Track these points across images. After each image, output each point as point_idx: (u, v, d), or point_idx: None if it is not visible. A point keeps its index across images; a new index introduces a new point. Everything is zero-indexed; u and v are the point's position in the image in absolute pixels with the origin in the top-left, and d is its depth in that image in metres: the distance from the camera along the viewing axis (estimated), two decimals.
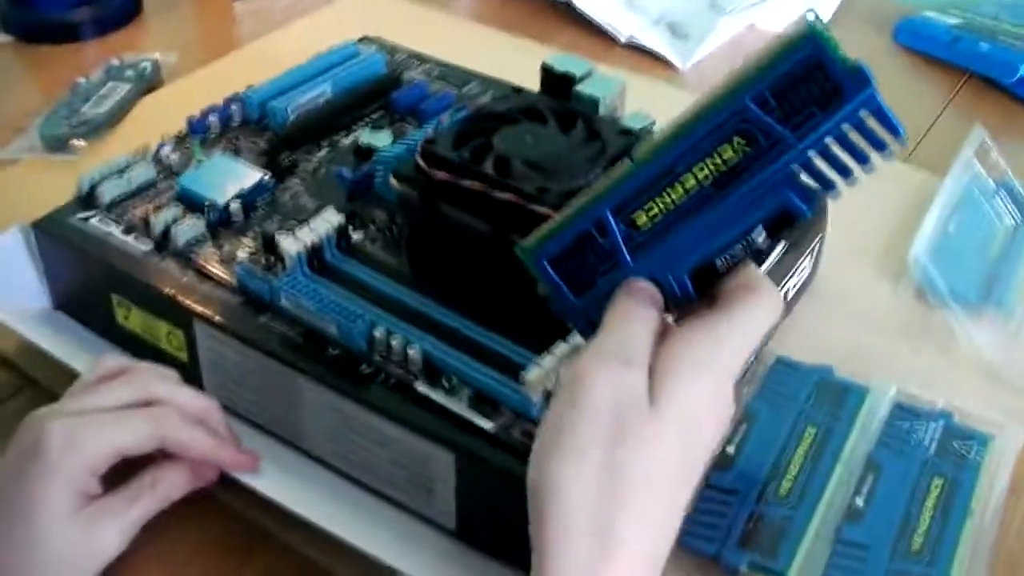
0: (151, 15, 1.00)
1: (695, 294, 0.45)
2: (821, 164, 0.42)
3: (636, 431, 0.41)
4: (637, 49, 0.97)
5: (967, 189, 0.74)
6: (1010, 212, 0.74)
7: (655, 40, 0.97)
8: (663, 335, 0.44)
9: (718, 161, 0.43)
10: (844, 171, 0.42)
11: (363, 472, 0.54)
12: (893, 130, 0.42)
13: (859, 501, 0.54)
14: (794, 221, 0.44)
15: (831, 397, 0.60)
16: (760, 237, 0.44)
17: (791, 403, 0.60)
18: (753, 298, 0.44)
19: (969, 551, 0.53)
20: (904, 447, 0.57)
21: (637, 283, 0.45)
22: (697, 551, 0.52)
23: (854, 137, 0.42)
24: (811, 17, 0.41)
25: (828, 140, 0.42)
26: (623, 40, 0.97)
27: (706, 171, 0.43)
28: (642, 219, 0.45)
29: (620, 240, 0.45)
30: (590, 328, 0.46)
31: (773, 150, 0.42)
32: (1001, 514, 0.55)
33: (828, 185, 0.43)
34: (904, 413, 0.59)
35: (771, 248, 0.44)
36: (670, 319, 0.46)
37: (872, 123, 0.41)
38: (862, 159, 0.42)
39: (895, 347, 0.65)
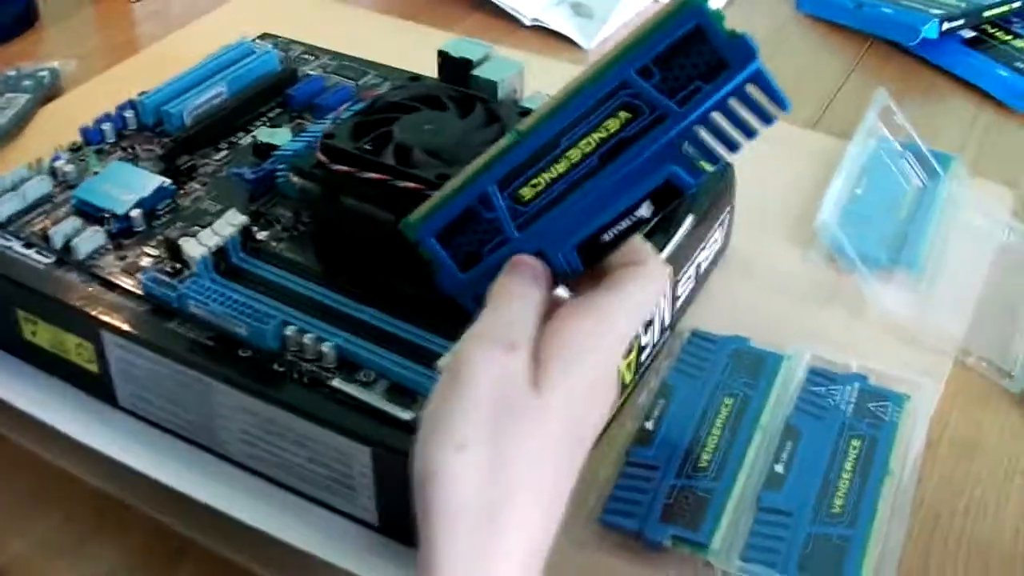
0: (48, 23, 0.98)
1: (584, 268, 0.45)
2: (706, 136, 0.42)
3: (520, 418, 0.40)
4: (543, 31, 0.97)
5: (873, 152, 0.74)
6: (916, 173, 0.75)
7: (559, 20, 0.97)
8: (549, 313, 0.43)
9: (603, 134, 0.43)
10: (730, 144, 0.43)
11: (283, 473, 0.53)
12: (779, 102, 0.42)
13: (779, 468, 0.55)
14: (681, 194, 0.44)
15: (747, 366, 0.60)
16: (646, 211, 0.44)
17: (708, 375, 0.60)
18: (640, 272, 0.44)
19: (889, 509, 0.53)
20: (821, 411, 0.58)
21: (520, 260, 0.44)
22: (620, 528, 0.52)
23: (739, 109, 0.42)
24: None
25: (714, 114, 0.42)
26: (527, 22, 0.97)
27: (591, 144, 0.43)
28: (528, 193, 0.44)
29: (505, 214, 0.45)
30: (476, 305, 0.45)
31: (658, 123, 0.42)
32: (919, 471, 0.56)
33: (712, 158, 0.43)
34: (820, 378, 0.60)
35: (654, 217, 0.44)
36: (564, 293, 0.45)
37: (757, 94, 0.42)
38: (748, 132, 0.42)
39: (808, 313, 0.66)
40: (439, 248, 0.46)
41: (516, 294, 0.43)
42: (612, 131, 0.43)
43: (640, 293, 0.44)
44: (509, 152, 0.44)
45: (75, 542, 0.55)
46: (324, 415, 0.50)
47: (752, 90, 0.41)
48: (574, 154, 0.43)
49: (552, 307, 0.44)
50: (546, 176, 0.44)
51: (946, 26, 0.91)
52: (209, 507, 0.53)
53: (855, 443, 0.56)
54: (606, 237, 0.44)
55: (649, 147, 0.43)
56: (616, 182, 0.43)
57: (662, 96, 0.42)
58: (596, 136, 0.43)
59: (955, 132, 0.83)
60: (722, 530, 0.52)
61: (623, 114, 0.42)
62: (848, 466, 0.55)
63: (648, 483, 0.54)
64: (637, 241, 0.45)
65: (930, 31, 0.91)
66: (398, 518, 0.51)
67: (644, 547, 0.52)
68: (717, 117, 0.42)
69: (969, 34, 0.93)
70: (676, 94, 0.42)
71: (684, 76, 0.42)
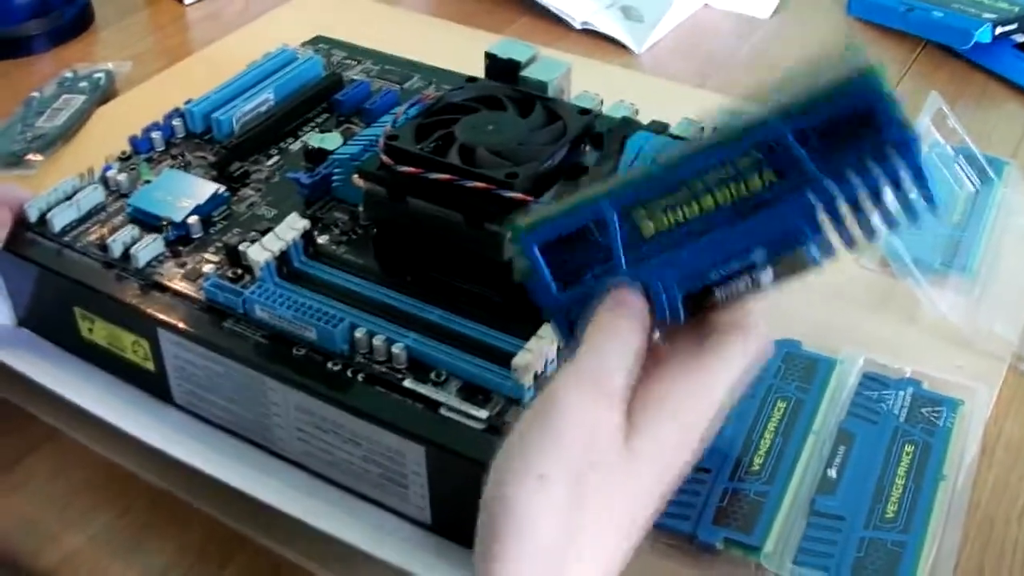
0: (103, 25, 1.00)
1: (685, 317, 0.43)
2: (848, 217, 0.40)
3: (605, 471, 0.39)
4: (593, 34, 0.97)
5: (926, 157, 0.74)
6: (969, 178, 0.74)
7: (609, 24, 0.97)
8: (646, 360, 0.42)
9: (743, 187, 0.41)
10: (869, 230, 0.40)
11: (337, 471, 0.54)
12: (929, 199, 0.40)
13: (832, 472, 0.55)
14: (806, 268, 0.42)
15: (800, 370, 0.60)
16: (767, 277, 0.42)
17: (761, 379, 0.60)
18: (747, 339, 0.43)
19: (943, 515, 0.53)
20: (874, 416, 0.58)
21: (625, 295, 0.42)
22: (672, 530, 0.52)
23: (889, 197, 0.40)
24: (875, 62, 0.39)
25: (862, 195, 0.40)
26: (577, 26, 0.97)
27: (729, 195, 0.41)
28: (648, 228, 0.42)
29: (621, 244, 0.42)
30: (567, 327, 0.44)
31: (803, 190, 0.40)
32: (973, 477, 0.56)
33: (849, 241, 0.41)
34: (873, 383, 0.60)
35: (773, 285, 0.42)
36: (656, 336, 0.43)
37: (909, 185, 0.40)
38: (891, 223, 0.40)
39: (861, 318, 0.65)
40: (542, 260, 0.43)
41: (618, 335, 0.42)
42: (754, 188, 0.41)
43: (742, 361, 0.43)
44: (641, 181, 0.42)
45: (130, 538, 0.55)
46: (378, 413, 0.51)
47: (906, 179, 0.39)
48: (708, 201, 0.41)
49: (646, 352, 0.42)
50: (673, 216, 0.42)
51: (999, 30, 0.90)
52: (263, 504, 0.53)
53: (908, 448, 0.56)
54: (719, 294, 0.42)
55: (789, 215, 0.40)
56: (745, 240, 0.41)
57: (815, 165, 0.40)
58: (736, 188, 0.41)
59: (1008, 137, 0.82)
60: (775, 533, 0.52)
61: (769, 173, 0.40)
62: (901, 471, 0.55)
63: (701, 486, 0.54)
64: (749, 306, 0.43)
65: (983, 35, 0.90)
66: (451, 517, 0.51)
67: (696, 549, 0.52)
68: (865, 200, 0.40)
69: (1022, 38, 0.92)
70: (830, 166, 0.40)
71: (842, 148, 0.40)
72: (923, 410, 0.58)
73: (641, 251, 0.42)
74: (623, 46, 0.95)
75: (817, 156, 0.40)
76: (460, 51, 0.73)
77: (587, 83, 0.68)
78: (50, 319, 0.62)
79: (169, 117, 0.69)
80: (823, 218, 0.40)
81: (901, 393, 0.59)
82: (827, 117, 0.39)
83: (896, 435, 0.57)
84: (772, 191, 0.41)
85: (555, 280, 0.44)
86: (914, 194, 0.40)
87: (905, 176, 0.39)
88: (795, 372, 0.60)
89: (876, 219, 0.40)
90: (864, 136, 0.39)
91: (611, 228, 0.42)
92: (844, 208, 0.40)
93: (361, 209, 0.60)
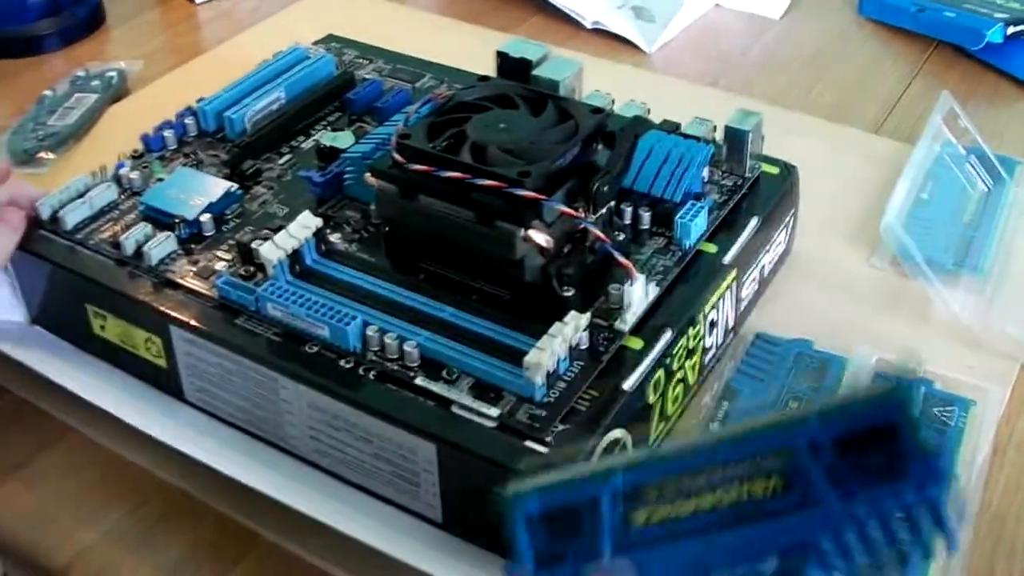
0: (115, 24, 1.00)
1: None
2: (853, 542, 0.37)
3: None
4: (604, 34, 0.97)
5: (938, 157, 0.74)
6: (981, 177, 0.74)
7: (620, 23, 0.97)
8: None
9: (746, 493, 0.38)
10: (876, 560, 0.38)
11: (348, 468, 0.54)
12: (949, 539, 0.37)
13: None
14: None
15: (811, 370, 0.60)
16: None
17: (772, 378, 0.60)
18: None
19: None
20: None
21: None
22: None
23: (901, 530, 0.37)
24: (908, 382, 0.37)
25: (871, 523, 0.37)
26: (588, 25, 0.97)
27: (730, 497, 0.39)
28: (640, 517, 0.40)
29: (609, 529, 0.40)
30: None
31: (808, 507, 0.38)
32: (985, 477, 0.56)
33: (850, 567, 0.37)
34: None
35: None
36: None
37: (926, 523, 0.37)
38: (901, 558, 0.38)
39: (873, 317, 0.65)
40: (525, 534, 0.40)
41: None
42: (756, 494, 0.38)
43: None
44: (641, 467, 0.40)
45: (143, 534, 0.56)
46: (390, 411, 0.51)
47: (923, 514, 0.37)
48: (707, 499, 0.39)
49: None
50: (668, 509, 0.39)
51: (1011, 30, 0.90)
52: (275, 501, 0.53)
53: None
54: None
55: (790, 530, 0.38)
56: (739, 547, 0.38)
57: (825, 482, 0.37)
58: (738, 491, 0.38)
59: (1020, 136, 0.82)
60: None
61: (775, 481, 0.38)
62: None
63: None
64: None
65: (995, 35, 0.90)
66: (461, 515, 0.51)
67: None
68: (873, 528, 0.37)
69: None
70: (841, 485, 0.37)
71: (857, 470, 0.37)
72: (935, 410, 0.58)
73: (630, 541, 0.40)
74: (634, 46, 0.95)
75: (829, 470, 0.37)
76: (471, 50, 0.74)
77: (598, 83, 0.68)
78: (63, 317, 0.62)
79: (181, 115, 0.69)
80: (825, 537, 0.38)
81: None
82: (845, 430, 0.37)
83: None
84: (776, 501, 0.38)
85: (536, 555, 0.40)
86: (928, 529, 0.37)
87: (923, 507, 0.37)
88: (806, 371, 0.60)
89: (883, 548, 0.37)
90: (884, 454, 0.37)
91: (603, 511, 0.40)
92: (850, 531, 0.37)
93: (373, 207, 0.60)
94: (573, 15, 0.98)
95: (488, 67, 0.67)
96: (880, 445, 0.37)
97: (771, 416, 0.39)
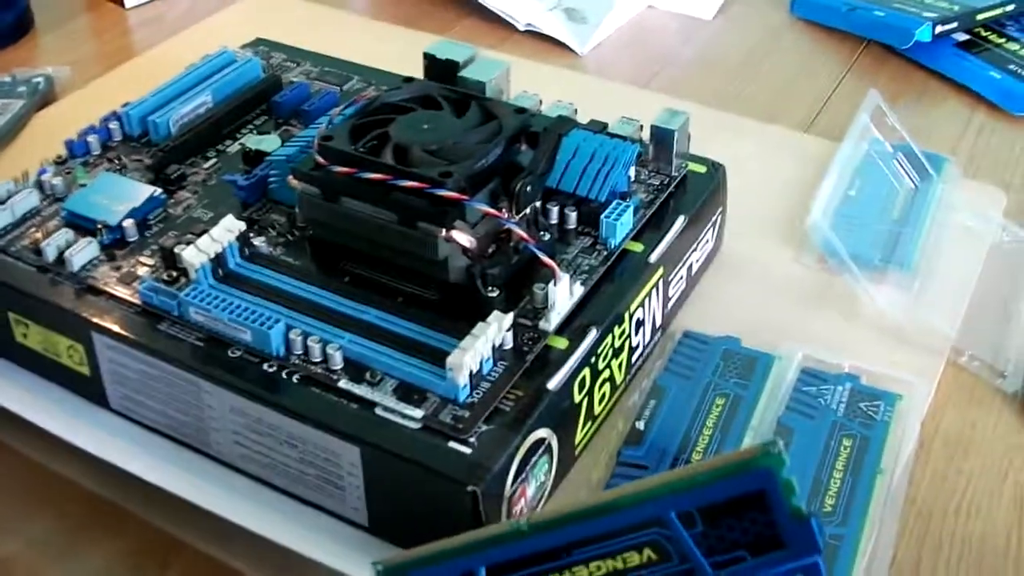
0: (44, 30, 0.98)
1: None
2: None
3: None
4: (537, 36, 0.97)
5: (866, 154, 0.75)
6: (908, 175, 0.75)
7: (552, 25, 0.97)
8: None
9: (620, 564, 0.38)
10: None
11: (274, 474, 0.53)
12: None
13: None
14: None
15: (739, 367, 0.60)
16: None
17: (699, 376, 0.60)
18: None
19: (880, 509, 0.53)
20: (813, 411, 0.58)
21: None
22: None
23: None
24: (775, 448, 0.37)
25: None
26: (521, 27, 0.97)
27: (604, 570, 0.38)
28: None
29: None
30: None
31: None
32: (911, 470, 0.56)
33: None
34: (811, 378, 0.60)
35: None
36: None
37: None
38: None
39: (800, 314, 0.65)
40: None
41: None
42: (630, 565, 0.38)
43: None
44: (512, 541, 0.39)
45: (67, 543, 0.55)
46: (312, 414, 0.50)
47: None
48: (581, 572, 0.39)
49: None
50: None
51: (939, 29, 0.91)
52: (201, 508, 0.53)
53: (847, 442, 0.56)
54: None
55: None
56: None
57: (698, 552, 0.37)
58: (611, 564, 0.38)
59: (948, 135, 0.83)
60: None
61: (648, 552, 0.38)
62: (840, 465, 0.55)
63: None
64: None
65: (923, 34, 0.91)
66: (387, 518, 0.51)
67: None
68: None
69: (962, 37, 0.93)
70: (714, 554, 0.37)
71: (730, 539, 0.37)
72: (861, 404, 0.58)
73: None
74: (568, 48, 0.95)
75: (702, 540, 0.37)
76: (402, 53, 0.73)
77: (531, 84, 0.68)
78: None
79: (106, 120, 0.68)
80: None
81: (839, 388, 0.59)
82: (715, 498, 0.37)
83: (834, 429, 0.57)
84: (649, 571, 0.38)
85: None
86: None
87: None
88: (734, 369, 0.60)
89: None
90: (756, 523, 0.37)
91: None
92: None
93: (297, 210, 0.60)
94: (506, 17, 0.98)
95: (419, 70, 0.67)
96: (750, 517, 0.37)
97: (638, 485, 0.38)
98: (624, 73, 0.92)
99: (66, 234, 0.59)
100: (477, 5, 0.99)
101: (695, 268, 0.65)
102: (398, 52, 0.76)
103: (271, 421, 0.51)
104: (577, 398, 0.54)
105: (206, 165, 0.66)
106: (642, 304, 0.58)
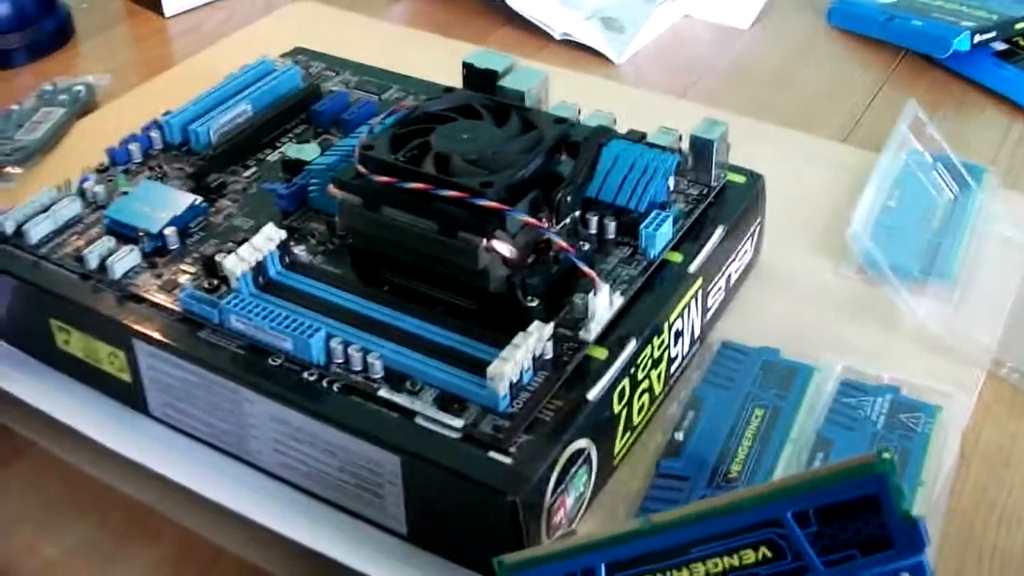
0: (84, 38, 0.99)
1: None
2: None
3: None
4: (574, 45, 0.97)
5: (905, 164, 0.74)
6: (948, 185, 0.75)
7: (589, 34, 0.97)
8: None
9: (736, 562, 0.40)
10: None
11: (313, 482, 0.53)
12: None
13: None
14: None
15: (778, 378, 0.60)
16: None
17: (738, 387, 0.60)
18: None
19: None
20: (853, 423, 0.58)
21: None
22: None
23: None
24: (887, 455, 0.39)
25: None
26: (557, 36, 0.97)
27: (720, 567, 0.40)
28: None
29: None
30: None
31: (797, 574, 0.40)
32: (951, 482, 0.56)
33: None
34: (851, 390, 0.59)
35: None
36: None
37: None
38: None
39: (840, 325, 0.65)
40: None
41: None
42: (747, 563, 0.40)
43: None
44: (634, 538, 0.41)
45: (106, 550, 0.55)
46: (353, 423, 0.51)
47: None
48: (699, 569, 0.41)
49: None
50: None
51: (978, 39, 0.91)
52: (240, 515, 0.53)
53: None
54: None
55: None
56: None
57: (812, 551, 0.39)
58: (728, 561, 0.40)
59: (987, 145, 0.83)
60: None
61: (764, 550, 0.40)
62: None
63: (678, 494, 0.54)
64: None
65: (962, 44, 0.90)
66: (426, 527, 0.51)
67: None
68: None
69: (1001, 46, 0.92)
70: (827, 553, 0.39)
71: (842, 539, 0.39)
72: (901, 416, 0.58)
73: None
74: (604, 57, 0.95)
75: (815, 539, 0.39)
76: (440, 62, 0.74)
77: (567, 94, 0.68)
78: (26, 331, 0.62)
79: (147, 129, 0.69)
80: None
81: (879, 400, 0.59)
82: (829, 501, 0.39)
83: (874, 441, 0.57)
84: (765, 569, 0.40)
85: None
86: None
87: (905, 574, 0.39)
88: (773, 380, 0.60)
89: None
90: (868, 523, 0.39)
91: None
92: None
93: (337, 219, 0.60)
94: (542, 26, 0.98)
95: (456, 79, 0.67)
96: (862, 519, 0.39)
97: (756, 489, 0.41)
98: (661, 82, 0.92)
99: (108, 242, 0.60)
100: (513, 14, 0.99)
101: (734, 278, 0.65)
102: (435, 61, 0.77)
103: (311, 429, 0.52)
104: (616, 408, 0.54)
105: (246, 174, 0.67)
106: (681, 315, 0.58)
